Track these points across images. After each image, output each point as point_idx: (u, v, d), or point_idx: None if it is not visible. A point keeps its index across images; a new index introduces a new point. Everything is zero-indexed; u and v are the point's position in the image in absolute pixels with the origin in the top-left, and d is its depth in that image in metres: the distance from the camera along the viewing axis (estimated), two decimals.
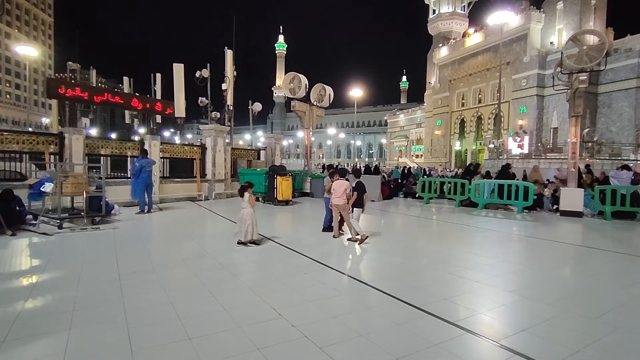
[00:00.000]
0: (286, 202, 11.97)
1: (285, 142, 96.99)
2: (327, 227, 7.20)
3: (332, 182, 6.93)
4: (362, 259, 5.74)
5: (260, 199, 12.82)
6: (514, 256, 5.89)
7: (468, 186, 12.13)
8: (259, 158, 16.76)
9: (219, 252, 5.76)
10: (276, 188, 11.82)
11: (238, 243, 6.03)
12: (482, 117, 50.73)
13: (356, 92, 44.84)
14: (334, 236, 6.90)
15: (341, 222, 7.07)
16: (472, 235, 7.69)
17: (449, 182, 13.29)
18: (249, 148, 19.94)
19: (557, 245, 6.79)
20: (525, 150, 31.43)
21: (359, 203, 6.65)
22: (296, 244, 6.44)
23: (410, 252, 6.13)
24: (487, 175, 14.79)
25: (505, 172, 12.97)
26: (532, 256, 5.94)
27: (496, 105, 40.70)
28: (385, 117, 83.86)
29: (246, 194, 6.23)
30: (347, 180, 6.88)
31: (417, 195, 14.64)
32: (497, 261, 5.49)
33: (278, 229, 8.22)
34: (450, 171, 33.36)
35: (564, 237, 7.70)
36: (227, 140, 15.27)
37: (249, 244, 6.06)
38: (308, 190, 14.79)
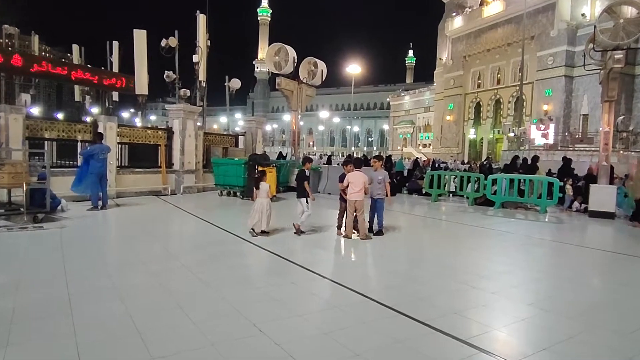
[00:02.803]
0: (270, 198, 11.93)
1: (268, 127, 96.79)
2: (379, 231, 7.40)
3: (346, 173, 7.10)
4: (359, 265, 5.78)
5: (237, 194, 12.80)
6: (535, 263, 6.00)
7: (483, 181, 12.26)
8: (236, 145, 16.70)
9: (187, 256, 5.73)
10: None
11: (252, 230, 6.95)
12: (500, 100, 51.28)
13: (354, 68, 44.74)
14: (345, 235, 7.06)
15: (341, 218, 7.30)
16: (488, 239, 7.79)
17: (461, 177, 13.41)
18: (225, 133, 19.79)
19: (584, 251, 6.93)
20: (550, 140, 31.86)
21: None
22: (281, 247, 6.45)
23: (415, 258, 6.19)
24: (506, 168, 15.00)
25: (515, 164, 13.18)
26: (556, 263, 6.06)
27: (517, 87, 41.13)
28: (388, 99, 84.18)
29: (264, 185, 7.06)
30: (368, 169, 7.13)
31: (423, 192, 14.77)
32: (515, 269, 5.58)
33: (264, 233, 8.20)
34: (463, 163, 33.72)
35: (592, 241, 7.86)
36: (198, 124, 15.15)
37: (260, 234, 6.93)
38: (295, 185, 14.76)
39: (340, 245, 6.84)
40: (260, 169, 11.75)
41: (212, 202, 12.46)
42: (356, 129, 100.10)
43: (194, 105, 15.15)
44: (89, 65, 17.73)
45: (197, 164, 14.08)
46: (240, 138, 16.88)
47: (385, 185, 7.32)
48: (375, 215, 7.47)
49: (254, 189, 7.20)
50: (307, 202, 7.24)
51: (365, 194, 7.04)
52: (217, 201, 12.61)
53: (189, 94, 15.70)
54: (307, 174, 7.36)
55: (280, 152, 24.58)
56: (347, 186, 7.02)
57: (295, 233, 7.17)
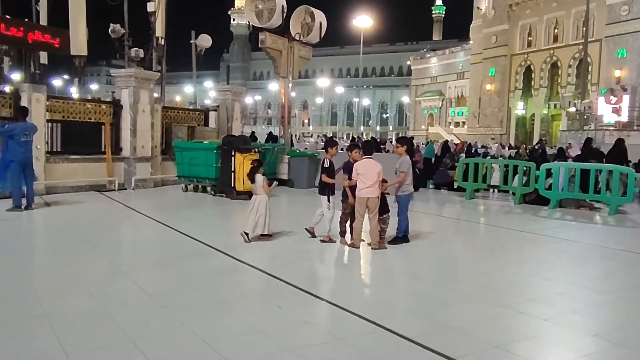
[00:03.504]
0: (250, 195, 11.98)
1: (249, 99, 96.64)
2: (401, 238, 7.49)
3: (352, 161, 7.15)
4: (370, 284, 5.79)
5: (207, 189, 12.83)
6: (602, 281, 6.03)
7: (535, 172, 12.30)
8: (206, 124, 16.71)
9: (142, 273, 5.75)
10: (234, 172, 11.84)
11: (244, 233, 7.18)
12: (558, 64, 51.34)
13: (363, 21, 44.38)
14: (351, 244, 7.14)
15: (343, 222, 7.39)
16: (540, 249, 7.80)
17: (506, 166, 13.45)
18: (191, 108, 19.78)
19: None
20: (624, 117, 31.91)
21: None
22: (267, 261, 6.45)
23: (443, 273, 6.22)
24: (560, 153, 14.99)
25: (591, 149, 13.18)
26: (630, 282, 6.09)
27: (581, 47, 41.02)
28: (409, 62, 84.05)
29: (258, 177, 7.27)
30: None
31: (455, 186, 14.77)
32: (577, 289, 5.62)
33: (239, 240, 8.28)
34: (510, 148, 33.73)
35: None
36: (155, 95, 15.10)
37: (261, 237, 7.21)
38: (285, 176, 14.83)
39: (345, 258, 6.84)
40: (241, 154, 11.76)
41: (175, 200, 12.43)
42: (366, 102, 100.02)
43: (150, 71, 15.07)
44: (7, 16, 17.57)
45: (154, 149, 14.05)
46: (212, 114, 16.85)
47: (400, 176, 7.29)
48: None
49: (250, 182, 7.40)
50: (328, 201, 7.35)
51: (381, 190, 7.07)
52: (181, 198, 12.59)
53: (142, 56, 15.60)
54: (327, 163, 7.43)
55: (271, 133, 24.54)
56: (352, 179, 7.03)
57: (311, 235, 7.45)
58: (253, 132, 24.35)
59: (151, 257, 6.63)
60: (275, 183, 7.78)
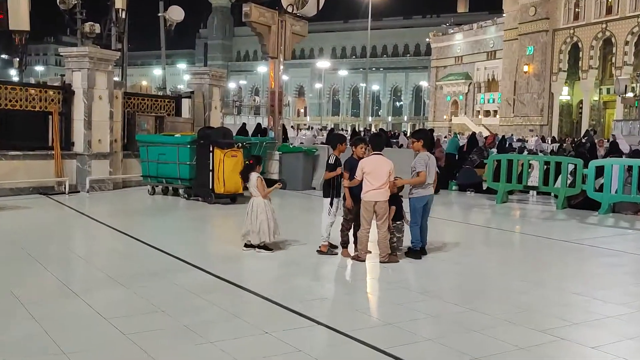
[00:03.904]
0: (232, 199, 12.13)
1: (231, 84, 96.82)
2: (418, 250, 7.52)
3: (356, 158, 7.22)
4: (378, 305, 5.77)
5: (179, 191, 12.85)
6: None
7: (582, 170, 12.30)
8: (178, 114, 16.73)
9: (97, 292, 5.75)
10: (213, 172, 11.84)
11: (245, 246, 7.51)
12: (612, 40, 51.39)
13: None
14: (356, 257, 7.18)
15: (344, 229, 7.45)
16: (588, 263, 7.80)
17: (546, 163, 13.46)
18: (159, 95, 19.76)
19: None
20: None
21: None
22: (250, 276, 6.43)
23: (468, 293, 6.20)
24: (614, 148, 14.98)
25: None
26: None
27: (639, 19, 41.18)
28: (428, 40, 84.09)
29: (252, 176, 7.46)
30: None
31: (484, 187, 14.77)
32: (632, 310, 5.61)
33: (219, 252, 8.24)
34: (553, 141, 33.72)
35: None
36: (115, 79, 15.07)
37: (257, 249, 7.44)
38: (275, 176, 14.82)
39: (348, 273, 6.83)
40: (221, 150, 11.76)
41: (139, 205, 12.41)
42: (375, 87, 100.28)
43: (108, 49, 15.07)
44: None
45: (114, 144, 14.06)
46: (185, 102, 16.87)
47: (420, 176, 7.29)
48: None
49: (244, 182, 7.60)
50: (331, 204, 7.42)
51: (391, 191, 7.09)
52: (147, 203, 12.57)
53: (98, 31, 15.61)
54: (332, 160, 7.46)
55: (259, 125, 24.52)
56: (355, 178, 7.04)
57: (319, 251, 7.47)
58: (244, 125, 24.30)
59: (109, 273, 6.60)
60: (277, 185, 7.85)
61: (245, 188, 8.13)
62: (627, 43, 49.75)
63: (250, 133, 20.82)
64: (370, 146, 7.28)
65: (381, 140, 7.56)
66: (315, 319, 5.02)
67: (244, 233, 7.50)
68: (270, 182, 7.80)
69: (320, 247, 7.45)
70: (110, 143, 13.88)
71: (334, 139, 8.11)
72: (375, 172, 6.94)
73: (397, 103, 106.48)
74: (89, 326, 4.77)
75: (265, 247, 7.45)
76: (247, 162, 7.90)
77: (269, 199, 7.50)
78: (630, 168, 11.79)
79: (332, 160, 7.48)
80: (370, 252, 7.27)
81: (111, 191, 13.68)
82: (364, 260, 7.10)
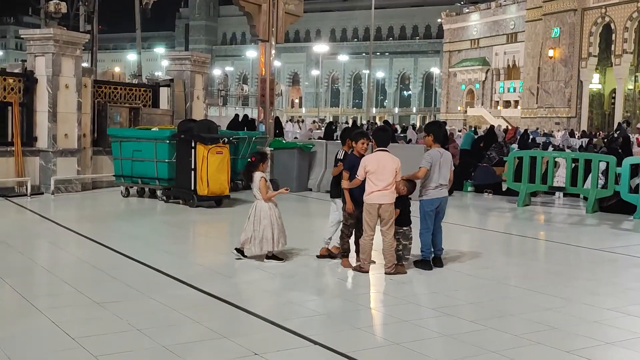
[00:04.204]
0: (217, 201, 12.17)
1: (216, 71, 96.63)
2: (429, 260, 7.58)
3: (357, 155, 7.25)
4: (383, 323, 5.78)
5: (157, 193, 12.91)
6: None
7: (615, 169, 12.32)
8: (156, 105, 16.72)
9: (64, 308, 5.74)
10: (195, 170, 11.82)
11: (241, 255, 7.58)
12: None
13: None
14: (358, 268, 7.19)
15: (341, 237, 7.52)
16: (622, 274, 7.80)
17: (574, 161, 13.48)
18: (134, 83, 19.70)
19: None
20: None
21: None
22: (239, 290, 6.43)
23: (486, 308, 6.21)
24: None
25: None
26: None
27: None
28: (440, 20, 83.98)
29: (256, 176, 7.45)
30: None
31: (504, 188, 14.78)
32: None
33: (203, 263, 8.23)
34: (583, 136, 33.76)
35: None
36: (84, 65, 15.04)
37: (266, 259, 7.46)
38: (266, 175, 14.78)
39: (349, 285, 6.84)
40: (204, 146, 11.75)
41: (112, 209, 12.39)
42: (380, 74, 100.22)
43: (76, 32, 15.04)
44: None
45: (83, 139, 14.04)
46: (163, 91, 16.87)
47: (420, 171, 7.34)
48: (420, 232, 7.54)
49: (247, 182, 7.73)
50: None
51: (398, 192, 7.11)
52: (121, 207, 12.57)
53: (65, 11, 15.61)
54: (340, 155, 7.57)
55: (246, 116, 24.51)
56: (356, 178, 7.06)
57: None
58: (237, 116, 24.26)
59: (77, 287, 6.58)
60: (283, 189, 7.94)
61: (247, 188, 8.17)
62: None
63: (226, 126, 20.89)
64: (374, 141, 7.27)
65: (386, 135, 7.54)
66: (312, 339, 5.01)
67: (243, 240, 7.50)
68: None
69: (320, 251, 7.46)
70: (78, 138, 13.86)
71: (344, 133, 8.11)
72: (380, 171, 6.91)
73: (405, 92, 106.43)
74: (54, 347, 4.76)
75: (274, 256, 7.47)
76: (249, 159, 7.88)
77: (275, 203, 7.53)
78: None
79: (340, 156, 7.54)
80: (374, 262, 7.27)
81: (79, 193, 13.65)
82: (368, 272, 7.10)
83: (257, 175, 7.44)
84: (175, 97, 16.64)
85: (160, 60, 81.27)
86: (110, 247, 8.41)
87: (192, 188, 11.85)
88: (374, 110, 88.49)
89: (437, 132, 7.66)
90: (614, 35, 54.03)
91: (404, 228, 7.32)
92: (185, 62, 17.16)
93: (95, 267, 7.58)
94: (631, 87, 55.11)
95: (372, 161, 6.97)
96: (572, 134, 35.18)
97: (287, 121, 46.47)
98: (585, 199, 13.17)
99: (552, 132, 40.68)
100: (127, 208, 12.52)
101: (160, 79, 18.65)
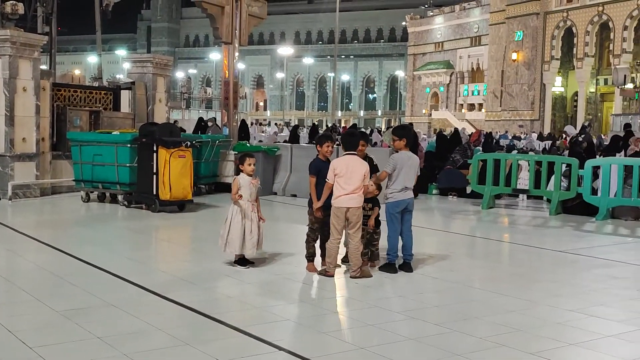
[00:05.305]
0: (180, 206, 12.11)
1: (179, 73, 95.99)
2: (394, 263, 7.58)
3: (322, 159, 7.30)
4: (347, 327, 5.78)
5: (118, 198, 12.84)
6: None
7: (577, 171, 12.50)
8: (117, 108, 16.59)
9: (23, 318, 5.66)
10: (157, 174, 11.74)
11: (235, 262, 7.55)
12: (610, 25, 52.39)
13: None
14: (324, 272, 7.22)
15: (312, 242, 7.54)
16: (584, 275, 7.91)
17: (537, 163, 13.65)
18: (94, 86, 19.50)
19: None
20: None
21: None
22: (203, 299, 6.40)
23: (451, 311, 6.25)
24: (613, 145, 15.27)
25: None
26: None
27: None
28: (404, 23, 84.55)
29: (241, 180, 7.39)
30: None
31: (468, 191, 14.92)
32: (634, 328, 5.69)
33: (166, 269, 8.18)
34: (541, 138, 34.25)
35: None
36: (43, 67, 14.83)
37: (236, 264, 7.49)
38: (230, 179, 14.73)
39: (314, 291, 6.84)
40: (167, 149, 11.67)
41: (72, 215, 12.25)
42: (345, 77, 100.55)
43: (33, 33, 14.84)
44: None
45: (41, 143, 13.90)
46: (124, 94, 16.74)
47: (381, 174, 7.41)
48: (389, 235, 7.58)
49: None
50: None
51: (370, 194, 7.19)
52: (81, 212, 12.43)
53: (22, 12, 15.38)
54: (314, 165, 7.45)
55: (201, 119, 24.39)
56: (331, 182, 7.04)
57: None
58: (201, 119, 24.07)
59: (36, 294, 6.48)
60: (237, 195, 7.45)
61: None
62: (625, 28, 50.73)
63: (192, 130, 20.82)
64: (342, 145, 7.30)
65: (355, 139, 7.55)
66: (277, 344, 4.99)
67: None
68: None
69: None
70: (36, 142, 13.70)
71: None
72: (349, 175, 6.93)
73: (370, 95, 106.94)
74: (10, 357, 4.67)
75: (241, 261, 7.47)
76: (237, 155, 7.86)
77: (246, 206, 7.41)
78: (629, 168, 12.01)
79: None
80: (340, 265, 7.28)
81: (38, 198, 13.48)
82: (333, 276, 7.11)
83: (243, 178, 7.41)
84: (136, 100, 16.53)
85: (121, 62, 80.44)
86: (70, 253, 8.31)
87: (154, 193, 11.79)
88: (339, 113, 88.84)
89: (409, 136, 7.75)
90: (575, 39, 54.94)
91: (377, 229, 7.43)
92: (147, 64, 17.07)
93: (55, 274, 7.48)
94: (593, 90, 56.06)
95: (340, 164, 6.99)
96: (541, 137, 35.65)
97: (251, 124, 46.36)
98: (549, 201, 13.34)
99: (522, 135, 41.27)
100: (88, 213, 12.38)
101: (122, 82, 18.46)
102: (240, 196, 7.33)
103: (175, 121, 25.58)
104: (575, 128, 46.13)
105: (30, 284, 7.11)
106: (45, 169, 14.01)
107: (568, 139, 20.98)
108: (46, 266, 7.91)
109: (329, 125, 52.03)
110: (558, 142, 26.28)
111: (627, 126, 19.55)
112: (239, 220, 7.32)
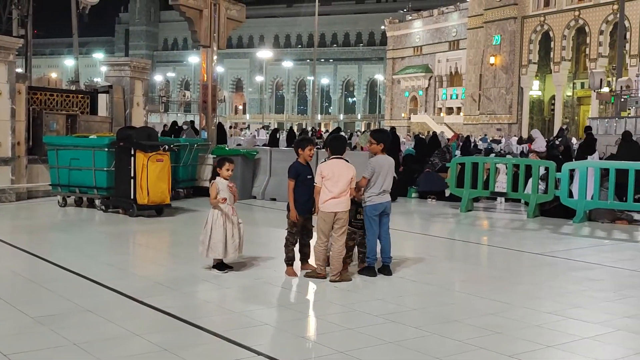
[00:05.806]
0: (158, 210, 12.08)
1: (157, 77, 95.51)
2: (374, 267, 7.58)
3: (302, 163, 7.33)
4: (326, 332, 5.78)
5: (95, 202, 12.78)
6: None
7: (555, 174, 12.61)
8: (94, 112, 16.50)
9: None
10: (135, 179, 11.69)
11: (221, 268, 7.50)
12: (586, 29, 53.00)
13: None
14: (317, 274, 7.24)
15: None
16: (561, 278, 7.96)
17: (515, 167, 13.75)
18: (71, 90, 19.39)
19: None
20: None
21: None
22: (182, 304, 6.37)
23: (429, 314, 6.28)
24: (587, 147, 15.41)
25: (631, 144, 13.62)
26: None
27: (616, 6, 42.56)
28: (383, 27, 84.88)
29: (219, 184, 7.35)
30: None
31: (447, 194, 14.99)
32: (612, 330, 5.76)
33: (144, 274, 8.15)
34: (519, 142, 34.48)
35: None
36: (18, 71, 14.71)
37: (214, 269, 7.48)
38: (208, 183, 14.71)
39: (293, 295, 6.87)
40: (144, 153, 11.61)
41: (48, 219, 12.14)
42: (325, 81, 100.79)
43: (8, 36, 14.72)
44: None
45: (17, 148, 13.78)
46: (102, 98, 16.65)
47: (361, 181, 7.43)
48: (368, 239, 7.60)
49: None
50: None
51: (356, 198, 7.25)
52: (58, 217, 12.33)
53: None
54: (294, 169, 7.40)
55: (174, 123, 24.34)
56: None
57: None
58: (174, 123, 24.00)
59: (12, 301, 6.40)
60: (221, 199, 7.44)
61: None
62: (601, 32, 51.28)
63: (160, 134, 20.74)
64: (329, 149, 7.31)
65: (341, 143, 7.57)
66: (256, 349, 4.97)
67: (200, 251, 7.47)
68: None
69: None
70: (12, 146, 13.56)
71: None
72: (336, 178, 6.97)
73: (350, 99, 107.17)
74: None
75: (219, 265, 7.46)
76: (216, 158, 7.86)
77: (227, 210, 7.40)
78: (606, 171, 12.14)
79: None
80: (329, 265, 7.29)
81: (14, 203, 13.36)
82: (325, 277, 7.14)
83: (221, 182, 7.39)
84: (114, 103, 16.44)
85: (99, 66, 79.85)
86: (47, 259, 8.24)
87: (132, 197, 11.72)
88: (319, 116, 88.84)
89: (387, 141, 7.76)
90: (552, 43, 55.46)
91: (358, 232, 7.48)
92: (124, 68, 16.99)
93: (31, 280, 7.42)
94: (570, 93, 56.63)
95: (327, 168, 7.03)
96: (521, 140, 35.87)
97: (230, 127, 46.33)
98: (527, 204, 13.43)
99: (501, 137, 41.56)
100: (65, 218, 12.28)
101: (99, 86, 18.36)
102: (225, 199, 7.33)
103: (191, 122, 25.46)
104: (553, 132, 46.60)
105: (5, 290, 7.03)
106: (21, 174, 13.88)
107: (533, 143, 21.33)
108: (22, 272, 7.85)
109: (303, 129, 52.06)
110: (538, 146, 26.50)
111: (588, 129, 20.13)
112: (220, 224, 7.29)
